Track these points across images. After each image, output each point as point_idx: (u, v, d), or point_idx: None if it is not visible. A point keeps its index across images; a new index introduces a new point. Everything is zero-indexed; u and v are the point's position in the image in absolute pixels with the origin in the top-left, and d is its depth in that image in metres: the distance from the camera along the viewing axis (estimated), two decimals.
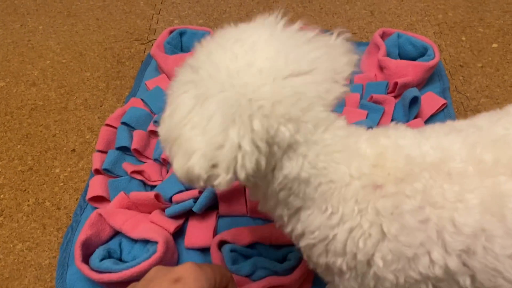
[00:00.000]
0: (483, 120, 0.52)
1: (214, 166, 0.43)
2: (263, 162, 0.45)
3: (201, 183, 0.44)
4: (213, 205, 0.85)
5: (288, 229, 0.54)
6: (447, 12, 1.34)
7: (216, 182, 0.44)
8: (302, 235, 0.52)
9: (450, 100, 1.04)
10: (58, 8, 1.43)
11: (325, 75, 0.47)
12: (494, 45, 1.23)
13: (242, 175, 0.44)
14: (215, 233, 0.82)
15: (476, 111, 1.08)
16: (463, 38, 1.26)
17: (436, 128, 0.52)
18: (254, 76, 0.45)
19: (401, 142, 0.49)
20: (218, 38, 0.49)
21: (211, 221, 0.84)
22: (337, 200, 0.48)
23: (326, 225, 0.49)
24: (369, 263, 0.48)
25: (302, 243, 0.53)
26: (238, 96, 0.44)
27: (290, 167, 0.47)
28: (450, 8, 1.35)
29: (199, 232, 0.81)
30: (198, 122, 0.44)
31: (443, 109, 1.02)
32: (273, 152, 0.46)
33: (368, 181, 0.47)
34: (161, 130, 0.48)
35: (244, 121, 0.43)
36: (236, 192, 0.83)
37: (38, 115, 1.10)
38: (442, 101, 1.01)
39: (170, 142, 0.46)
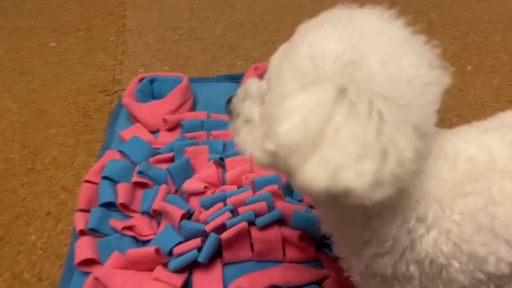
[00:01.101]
0: (509, 118, 0.55)
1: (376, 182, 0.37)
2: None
3: (349, 200, 0.37)
4: (216, 253, 0.80)
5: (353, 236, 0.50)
6: None
7: (376, 196, 0.37)
8: (369, 242, 0.49)
9: None
10: (8, 66, 1.35)
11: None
12: (452, 68, 1.30)
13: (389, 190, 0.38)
14: (224, 282, 0.76)
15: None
16: None
17: (467, 129, 0.53)
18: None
19: (460, 144, 0.50)
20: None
21: (217, 271, 0.78)
22: (425, 207, 0.46)
23: (404, 235, 0.46)
24: (444, 266, 0.47)
25: (366, 253, 0.49)
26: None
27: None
28: None
29: (208, 284, 0.75)
30: (351, 126, 0.37)
31: None
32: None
33: (453, 181, 0.47)
34: (289, 133, 0.38)
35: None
36: (241, 236, 0.78)
37: (2, 180, 1.00)
38: None
39: (299, 148, 0.37)
